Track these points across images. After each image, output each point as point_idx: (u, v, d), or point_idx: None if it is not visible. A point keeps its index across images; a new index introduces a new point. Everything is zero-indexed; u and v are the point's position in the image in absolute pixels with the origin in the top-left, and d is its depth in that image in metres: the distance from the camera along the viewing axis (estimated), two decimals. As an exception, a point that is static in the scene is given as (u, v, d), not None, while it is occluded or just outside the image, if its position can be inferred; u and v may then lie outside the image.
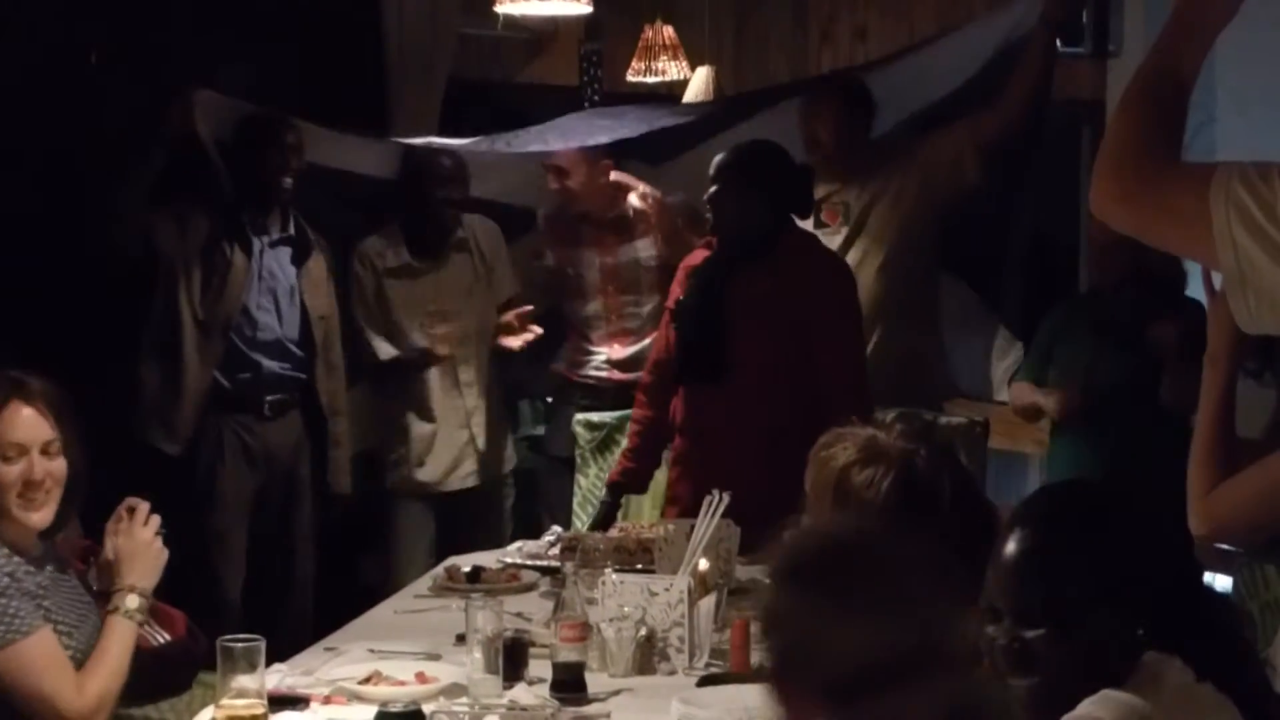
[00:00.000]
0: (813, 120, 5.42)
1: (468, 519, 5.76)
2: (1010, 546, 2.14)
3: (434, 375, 5.69)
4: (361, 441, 5.77)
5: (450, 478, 5.73)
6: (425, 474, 5.70)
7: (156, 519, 3.36)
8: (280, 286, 5.49)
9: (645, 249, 5.78)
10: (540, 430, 6.31)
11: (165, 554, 3.35)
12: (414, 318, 5.69)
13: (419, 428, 5.69)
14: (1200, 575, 2.25)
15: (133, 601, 3.27)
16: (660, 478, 5.08)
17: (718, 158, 4.77)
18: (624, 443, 5.15)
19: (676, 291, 4.94)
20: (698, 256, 4.94)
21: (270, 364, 5.46)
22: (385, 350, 5.66)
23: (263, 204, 5.46)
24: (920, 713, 1.65)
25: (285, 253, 5.50)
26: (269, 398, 5.46)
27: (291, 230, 5.51)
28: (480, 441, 5.74)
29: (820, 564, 1.81)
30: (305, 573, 5.58)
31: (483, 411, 5.75)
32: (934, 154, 5.41)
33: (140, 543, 3.33)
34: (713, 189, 4.70)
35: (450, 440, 5.71)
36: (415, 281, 5.70)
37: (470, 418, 5.73)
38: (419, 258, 5.70)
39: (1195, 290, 3.69)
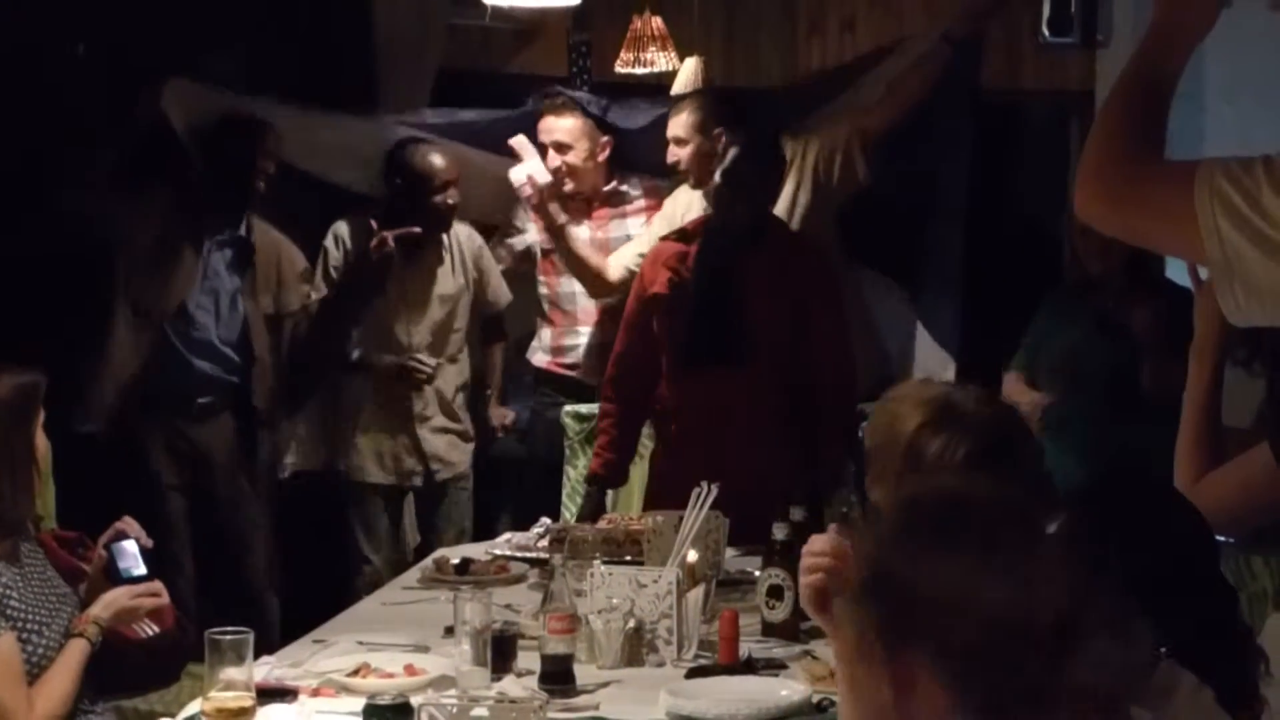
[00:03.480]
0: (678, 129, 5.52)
1: (422, 515, 5.83)
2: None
3: (386, 373, 5.70)
4: (319, 455, 5.79)
5: (394, 476, 5.74)
6: (369, 471, 5.72)
7: (160, 606, 3.45)
8: (223, 287, 5.47)
9: (637, 227, 5.77)
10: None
11: (141, 617, 3.45)
12: (376, 314, 5.68)
13: (365, 424, 5.71)
14: (1221, 580, 2.24)
15: (92, 631, 3.32)
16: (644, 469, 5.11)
17: (735, 148, 4.87)
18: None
19: (657, 282, 4.94)
20: (668, 249, 4.98)
21: (202, 364, 5.46)
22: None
23: (229, 204, 5.45)
24: (1062, 686, 1.50)
25: (229, 255, 5.48)
26: (198, 400, 5.46)
27: (242, 232, 5.49)
28: (427, 444, 5.75)
29: (949, 518, 1.61)
30: (260, 574, 5.57)
31: (433, 414, 5.76)
32: (820, 148, 5.51)
33: (130, 608, 3.40)
34: (732, 174, 4.78)
35: (394, 440, 5.72)
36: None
37: (419, 421, 5.73)
38: (396, 252, 5.67)
39: (1180, 278, 3.70)
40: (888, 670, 1.55)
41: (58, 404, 5.20)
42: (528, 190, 5.61)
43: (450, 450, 5.82)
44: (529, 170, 5.61)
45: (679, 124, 5.48)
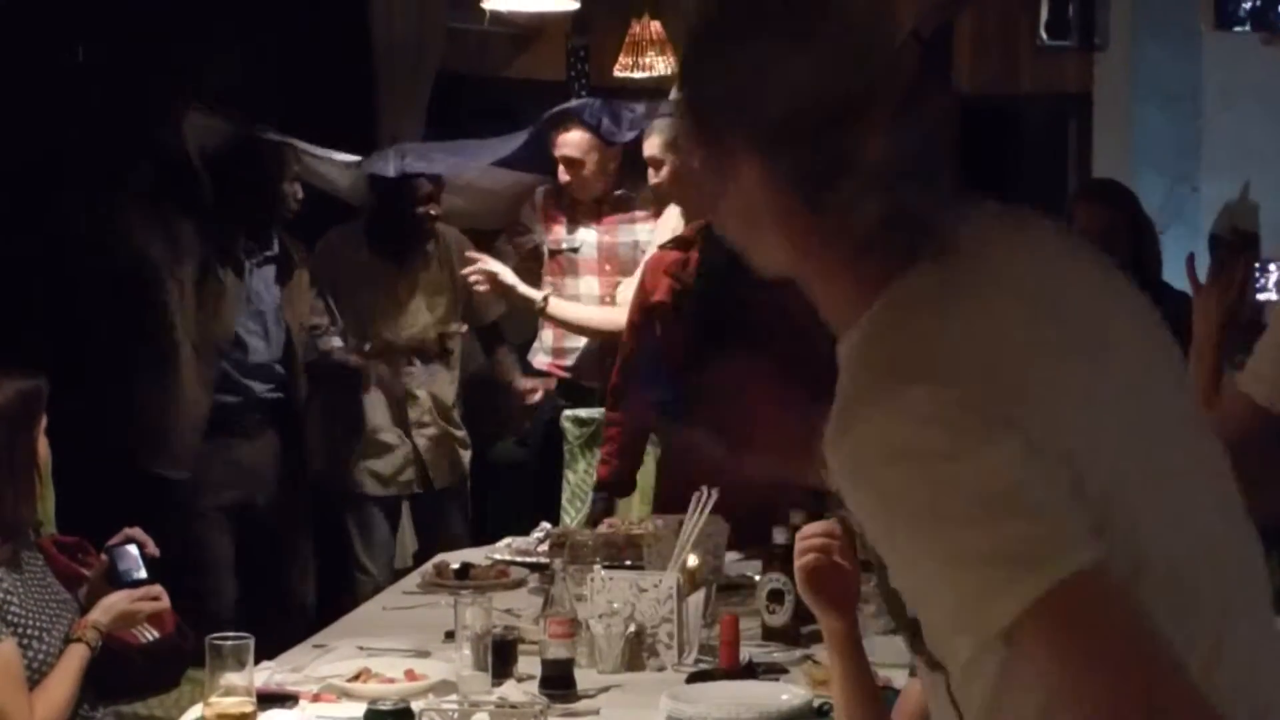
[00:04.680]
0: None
1: (420, 523, 5.83)
2: None
3: (382, 384, 5.70)
4: (323, 461, 5.79)
5: (391, 485, 5.74)
6: (366, 482, 5.71)
7: (160, 610, 3.46)
8: (267, 306, 5.49)
9: (644, 233, 5.76)
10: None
11: (140, 621, 3.47)
12: (360, 318, 5.67)
13: (363, 433, 5.71)
14: None
15: (92, 635, 3.33)
16: (648, 475, 5.09)
17: None
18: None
19: (659, 289, 4.93)
20: (669, 256, 4.97)
21: (260, 387, 5.47)
22: (327, 343, 5.69)
23: (260, 226, 5.46)
24: (864, 160, 1.55)
25: (270, 272, 5.50)
26: (250, 417, 5.47)
27: (275, 249, 5.50)
28: (425, 451, 5.76)
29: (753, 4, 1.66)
30: (305, 589, 5.59)
31: (429, 423, 5.76)
32: None
33: (130, 612, 3.41)
34: None
35: (392, 447, 5.72)
36: (371, 282, 5.68)
37: (414, 428, 5.73)
38: (380, 258, 5.68)
39: (1178, 281, 3.70)
40: (710, 162, 1.61)
41: (135, 448, 5.24)
42: (484, 287, 5.61)
43: (445, 455, 5.82)
44: (488, 269, 5.60)
45: (652, 145, 5.49)
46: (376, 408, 5.73)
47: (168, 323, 5.33)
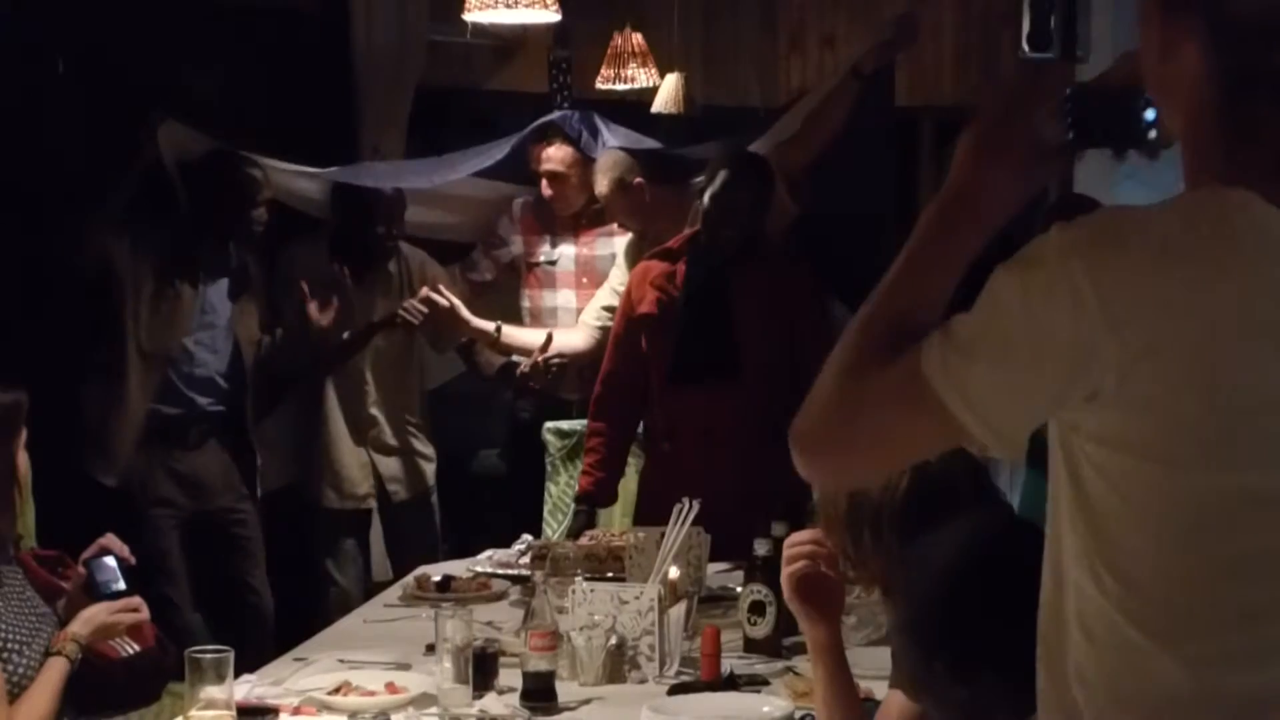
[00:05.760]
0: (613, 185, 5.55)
1: (389, 537, 5.82)
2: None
3: (338, 400, 5.68)
4: (286, 475, 5.77)
5: (351, 500, 5.72)
6: (327, 495, 5.71)
7: (139, 621, 3.45)
8: (218, 320, 5.49)
9: (622, 245, 5.76)
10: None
11: (120, 633, 3.45)
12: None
13: (322, 446, 5.69)
14: None
15: (72, 649, 3.31)
16: (628, 486, 5.09)
17: (722, 158, 4.85)
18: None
19: (645, 300, 4.93)
20: (655, 268, 4.97)
21: (203, 400, 5.47)
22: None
23: (224, 240, 5.45)
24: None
25: (224, 285, 5.49)
26: (195, 429, 5.48)
27: (233, 264, 5.50)
28: (380, 465, 5.74)
29: None
30: (262, 597, 5.58)
31: (386, 438, 5.74)
32: None
33: (109, 624, 3.39)
34: (720, 198, 4.75)
35: (347, 462, 5.70)
36: (329, 297, 5.65)
37: (371, 444, 5.72)
38: (340, 274, 5.66)
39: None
40: (1159, 34, 1.74)
41: (76, 450, 5.23)
42: (415, 320, 5.54)
43: (406, 470, 5.79)
44: (442, 303, 5.53)
45: (600, 183, 5.53)
46: (335, 422, 5.70)
47: (118, 329, 5.33)
